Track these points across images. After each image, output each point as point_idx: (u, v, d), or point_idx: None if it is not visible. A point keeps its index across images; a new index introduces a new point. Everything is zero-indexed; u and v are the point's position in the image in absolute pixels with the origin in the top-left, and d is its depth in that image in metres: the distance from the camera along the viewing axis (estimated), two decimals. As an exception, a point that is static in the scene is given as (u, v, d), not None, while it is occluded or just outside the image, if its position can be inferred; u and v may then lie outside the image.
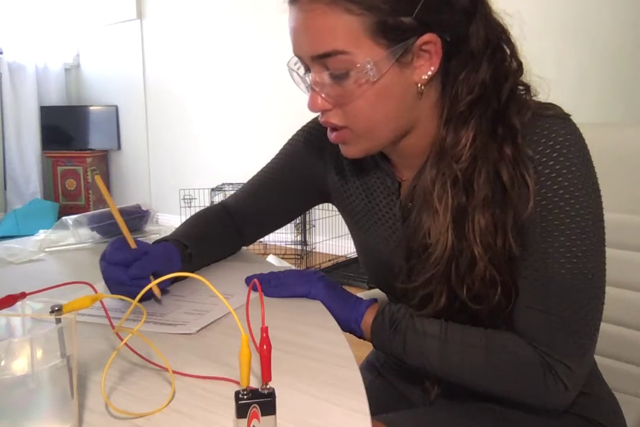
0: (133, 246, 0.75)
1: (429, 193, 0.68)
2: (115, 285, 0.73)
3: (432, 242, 0.67)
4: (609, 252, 0.66)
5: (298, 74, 0.70)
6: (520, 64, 0.67)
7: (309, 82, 0.68)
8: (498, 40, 0.67)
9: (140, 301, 0.74)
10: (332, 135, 0.71)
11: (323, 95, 0.67)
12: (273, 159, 0.94)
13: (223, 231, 0.95)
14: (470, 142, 0.65)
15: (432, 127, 0.71)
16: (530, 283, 0.66)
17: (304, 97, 0.69)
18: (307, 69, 0.68)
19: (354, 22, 0.61)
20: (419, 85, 0.66)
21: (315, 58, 0.65)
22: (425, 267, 0.69)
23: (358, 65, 0.62)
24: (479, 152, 0.65)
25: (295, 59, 0.68)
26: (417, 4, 0.61)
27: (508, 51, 0.67)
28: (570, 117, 0.66)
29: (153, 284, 0.49)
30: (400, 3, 0.61)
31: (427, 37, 0.63)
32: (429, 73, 0.65)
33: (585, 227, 0.63)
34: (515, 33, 0.68)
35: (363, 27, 0.61)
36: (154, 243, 0.83)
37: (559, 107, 0.67)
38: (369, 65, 0.62)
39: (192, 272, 0.84)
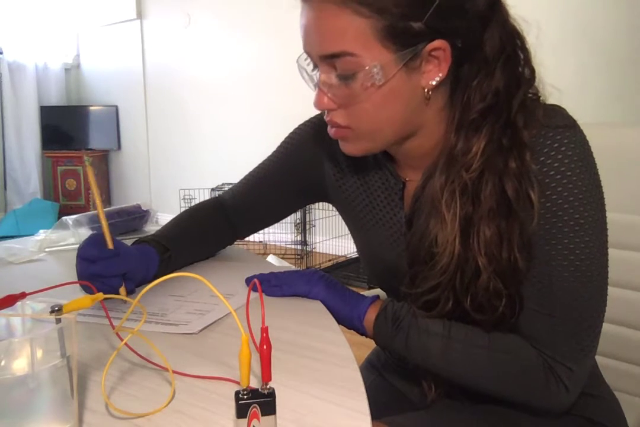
0: (110, 245, 0.76)
1: (437, 200, 0.67)
2: (84, 279, 0.73)
3: (439, 251, 0.67)
4: (609, 252, 0.66)
5: (307, 72, 0.70)
6: (532, 71, 0.67)
7: (316, 81, 0.68)
8: (513, 47, 0.66)
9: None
10: (332, 131, 0.71)
11: (329, 95, 0.67)
12: (271, 154, 0.93)
13: (211, 227, 0.95)
14: (482, 151, 0.64)
15: (438, 131, 0.70)
16: (534, 285, 0.66)
17: (304, 97, 0.69)
18: (316, 66, 0.68)
19: (363, 24, 0.61)
20: (426, 90, 0.66)
21: (324, 58, 0.65)
22: (430, 274, 0.68)
23: (366, 67, 0.62)
24: (487, 162, 0.64)
25: (305, 55, 0.68)
26: (428, 10, 0.60)
27: (522, 56, 0.66)
28: (576, 123, 0.65)
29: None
30: (411, 8, 0.60)
31: (436, 43, 0.62)
32: (437, 79, 0.65)
33: (589, 230, 0.63)
34: (530, 40, 0.67)
35: (372, 30, 0.61)
36: (134, 243, 0.84)
37: (564, 111, 0.66)
38: (375, 69, 0.62)
39: (172, 272, 0.85)
